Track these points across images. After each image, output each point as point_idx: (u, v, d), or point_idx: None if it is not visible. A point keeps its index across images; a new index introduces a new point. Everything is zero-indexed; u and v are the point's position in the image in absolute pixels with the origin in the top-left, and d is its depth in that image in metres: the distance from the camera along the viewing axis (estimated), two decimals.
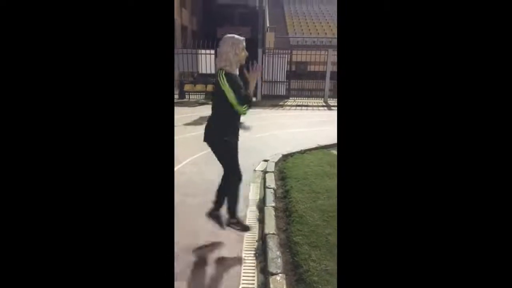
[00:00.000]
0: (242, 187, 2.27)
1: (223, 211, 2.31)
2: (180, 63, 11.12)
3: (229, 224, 2.30)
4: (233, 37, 1.99)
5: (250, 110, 2.12)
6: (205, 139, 2.09)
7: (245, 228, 2.34)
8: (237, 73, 2.02)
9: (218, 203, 2.30)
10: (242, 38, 2.01)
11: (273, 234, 2.30)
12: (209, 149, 2.14)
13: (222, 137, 2.04)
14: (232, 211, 2.28)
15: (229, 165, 2.16)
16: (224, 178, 2.22)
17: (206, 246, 2.25)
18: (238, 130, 2.14)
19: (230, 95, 1.91)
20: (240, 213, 2.71)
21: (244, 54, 2.01)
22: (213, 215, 2.31)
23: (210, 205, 2.29)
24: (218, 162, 2.16)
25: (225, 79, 1.91)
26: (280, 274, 1.88)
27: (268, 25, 18.65)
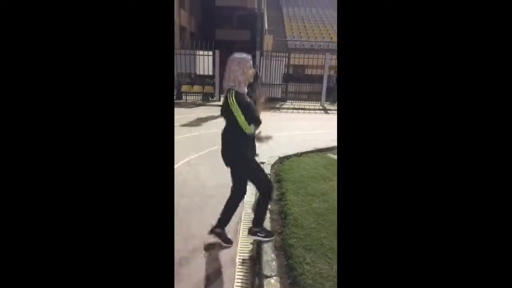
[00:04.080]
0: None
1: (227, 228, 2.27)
2: (178, 64, 11.10)
3: (254, 233, 2.24)
4: (240, 57, 1.99)
5: None
6: (226, 164, 2.11)
7: (270, 235, 2.29)
8: (246, 91, 2.03)
9: (223, 220, 2.24)
10: (249, 57, 2.01)
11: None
12: (205, 151, 2.13)
13: (240, 156, 2.05)
14: (259, 221, 2.24)
15: (256, 182, 2.15)
16: (232, 196, 2.21)
17: (199, 248, 2.24)
18: (254, 145, 2.14)
19: (239, 116, 1.92)
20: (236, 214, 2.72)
21: (251, 72, 2.01)
22: (216, 232, 2.24)
23: (204, 206, 2.28)
24: (213, 164, 2.16)
25: (235, 100, 1.91)
26: (274, 277, 1.87)
27: (266, 27, 18.69)
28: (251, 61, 2.01)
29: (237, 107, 1.91)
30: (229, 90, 1.96)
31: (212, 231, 2.23)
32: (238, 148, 2.04)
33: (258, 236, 2.23)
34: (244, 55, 2.01)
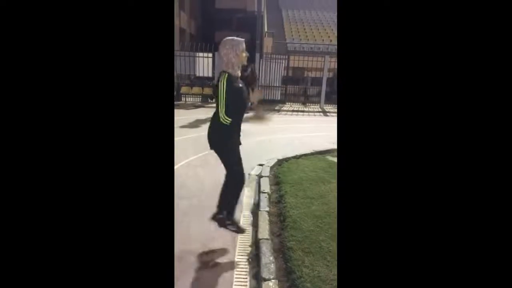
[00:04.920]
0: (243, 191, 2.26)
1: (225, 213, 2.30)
2: (177, 66, 11.11)
3: (225, 226, 2.28)
4: (233, 39, 1.99)
5: (247, 115, 2.12)
6: (210, 146, 2.09)
7: (241, 230, 2.34)
8: (239, 74, 2.02)
9: (220, 206, 2.28)
10: (241, 39, 2.00)
11: (267, 239, 2.29)
12: (204, 152, 2.14)
13: (225, 140, 2.03)
14: (230, 212, 2.27)
15: (232, 168, 2.15)
16: (226, 180, 2.21)
17: (197, 250, 2.23)
18: (239, 133, 2.13)
19: (222, 102, 1.89)
20: (234, 216, 2.71)
21: (244, 55, 2.00)
22: (217, 218, 2.29)
23: (203, 208, 2.27)
24: (213, 166, 2.16)
25: (225, 83, 1.89)
26: (273, 280, 1.87)
27: (266, 30, 18.74)
28: (244, 44, 2.00)
29: (224, 92, 1.87)
30: (223, 73, 1.94)
31: (213, 218, 2.25)
32: (221, 132, 2.02)
33: (228, 229, 2.26)
34: (236, 38, 2.00)
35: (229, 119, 1.91)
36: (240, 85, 1.97)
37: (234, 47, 1.95)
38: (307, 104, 12.16)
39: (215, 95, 1.96)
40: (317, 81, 13.07)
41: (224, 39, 2.01)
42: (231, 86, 1.90)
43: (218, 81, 1.95)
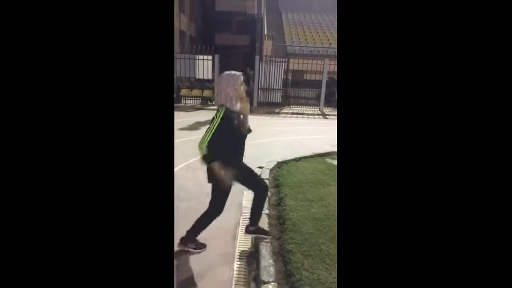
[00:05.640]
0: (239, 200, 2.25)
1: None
2: (177, 68, 11.12)
3: (250, 232, 2.33)
4: (230, 74, 2.03)
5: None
6: (208, 179, 2.05)
7: (266, 233, 2.37)
8: (238, 108, 2.03)
9: (193, 234, 2.22)
10: (239, 73, 2.04)
11: (266, 242, 2.29)
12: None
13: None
14: (255, 220, 2.30)
15: (249, 185, 2.22)
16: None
17: (197, 252, 2.22)
18: (241, 157, 2.14)
19: (210, 131, 1.88)
20: (233, 219, 2.70)
21: (242, 88, 2.03)
22: (184, 243, 2.23)
23: (202, 210, 2.26)
24: None
25: (222, 117, 1.90)
26: (272, 283, 1.86)
27: (266, 32, 18.80)
28: (241, 77, 2.04)
29: (216, 125, 1.89)
30: (221, 107, 1.97)
31: (181, 242, 2.19)
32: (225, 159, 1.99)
33: (255, 234, 2.31)
34: (233, 72, 2.05)
35: (204, 148, 1.88)
36: (236, 121, 1.99)
37: (233, 82, 1.98)
38: (291, 106, 12.17)
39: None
40: (303, 84, 13.11)
41: (221, 74, 2.04)
42: (227, 123, 1.92)
43: (216, 112, 1.97)
